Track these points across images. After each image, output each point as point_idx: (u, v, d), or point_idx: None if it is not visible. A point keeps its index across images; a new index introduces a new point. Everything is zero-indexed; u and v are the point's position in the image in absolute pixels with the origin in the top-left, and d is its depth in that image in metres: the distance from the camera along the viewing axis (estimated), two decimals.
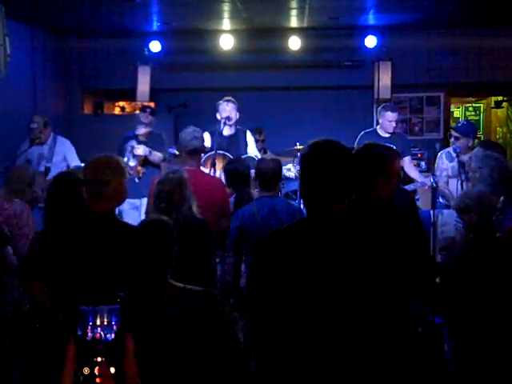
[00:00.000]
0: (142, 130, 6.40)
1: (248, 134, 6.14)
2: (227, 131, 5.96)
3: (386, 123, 6.39)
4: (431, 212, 5.30)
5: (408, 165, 6.57)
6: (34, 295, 3.18)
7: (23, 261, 3.74)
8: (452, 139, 6.26)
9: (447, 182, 6.11)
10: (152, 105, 7.90)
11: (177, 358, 2.38)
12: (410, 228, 2.71)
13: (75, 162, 6.53)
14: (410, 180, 6.51)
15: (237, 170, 4.76)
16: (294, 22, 8.21)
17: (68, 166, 6.21)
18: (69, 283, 2.88)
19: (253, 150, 6.08)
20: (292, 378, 2.15)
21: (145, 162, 6.27)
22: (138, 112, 6.94)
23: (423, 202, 6.78)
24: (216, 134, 5.75)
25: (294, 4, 7.09)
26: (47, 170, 6.49)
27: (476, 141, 6.13)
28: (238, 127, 6.07)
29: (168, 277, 2.52)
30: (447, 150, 6.39)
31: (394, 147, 6.25)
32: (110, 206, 3.08)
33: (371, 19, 8.00)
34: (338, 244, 2.17)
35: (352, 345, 2.11)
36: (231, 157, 5.76)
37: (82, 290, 2.74)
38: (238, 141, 6.01)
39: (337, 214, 2.20)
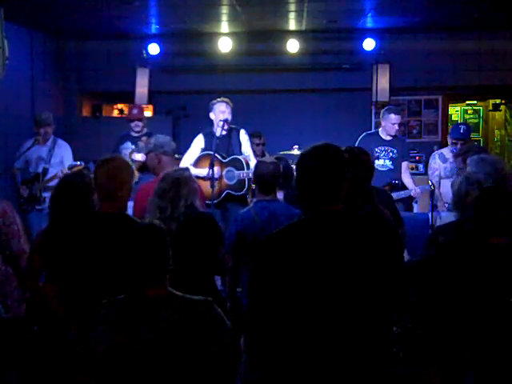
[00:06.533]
0: (141, 137, 6.53)
1: (241, 132, 5.98)
2: (220, 131, 5.83)
3: (390, 126, 6.36)
4: (429, 215, 5.32)
5: (405, 170, 6.49)
6: (46, 297, 3.14)
7: (19, 258, 3.70)
8: (450, 142, 6.28)
9: (439, 182, 6.11)
10: (139, 108, 7.61)
11: (170, 366, 2.36)
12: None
13: None
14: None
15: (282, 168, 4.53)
16: (292, 25, 8.21)
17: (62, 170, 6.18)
18: (87, 286, 2.87)
19: (247, 149, 5.96)
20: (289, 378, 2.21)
21: (142, 168, 6.26)
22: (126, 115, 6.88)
23: (421, 205, 6.78)
24: (211, 136, 5.75)
25: (292, 7, 7.10)
26: (45, 170, 6.56)
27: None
28: (231, 126, 5.94)
29: (166, 284, 2.45)
30: (441, 150, 6.41)
31: (396, 151, 6.36)
32: (124, 206, 3.15)
33: (370, 22, 8.00)
34: (338, 243, 2.23)
35: (348, 341, 2.18)
36: (223, 160, 5.75)
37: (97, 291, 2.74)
38: (230, 140, 5.91)
39: (336, 214, 2.28)
